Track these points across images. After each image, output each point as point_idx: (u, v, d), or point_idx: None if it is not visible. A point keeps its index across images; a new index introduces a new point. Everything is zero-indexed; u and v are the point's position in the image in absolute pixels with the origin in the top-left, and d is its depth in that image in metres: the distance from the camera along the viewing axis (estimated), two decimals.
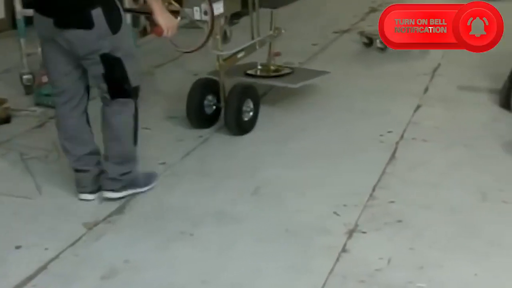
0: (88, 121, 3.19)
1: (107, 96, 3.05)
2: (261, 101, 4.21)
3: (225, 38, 4.04)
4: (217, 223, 3.04)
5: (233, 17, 4.52)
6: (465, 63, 5.16)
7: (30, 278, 2.65)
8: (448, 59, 5.33)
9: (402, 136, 3.95)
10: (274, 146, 3.85)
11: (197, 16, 3.64)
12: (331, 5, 7.56)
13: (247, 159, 3.70)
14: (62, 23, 2.88)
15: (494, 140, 3.87)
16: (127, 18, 3.78)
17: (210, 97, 4.05)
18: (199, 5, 3.61)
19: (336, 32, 6.42)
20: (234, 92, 3.95)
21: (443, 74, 5.11)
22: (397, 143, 3.86)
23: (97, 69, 2.98)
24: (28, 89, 4.70)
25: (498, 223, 3.01)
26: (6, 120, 4.22)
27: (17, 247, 2.87)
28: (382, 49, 5.64)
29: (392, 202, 3.19)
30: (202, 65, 4.61)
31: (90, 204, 3.20)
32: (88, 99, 3.17)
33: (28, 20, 4.71)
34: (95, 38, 2.89)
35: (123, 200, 3.21)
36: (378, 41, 5.66)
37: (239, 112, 3.93)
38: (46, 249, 2.84)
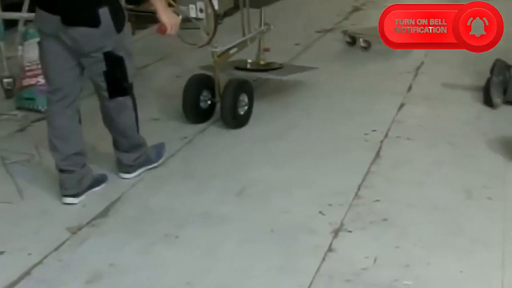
0: (79, 121, 3.22)
1: (106, 94, 3.14)
2: None
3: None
4: (202, 224, 3.02)
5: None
6: (448, 61, 5.19)
7: (13, 284, 2.62)
8: (431, 58, 5.35)
9: (386, 135, 3.96)
10: (258, 145, 3.85)
11: (192, 13, 3.65)
12: (314, 4, 7.56)
13: (232, 159, 3.69)
14: (70, 20, 2.95)
15: (478, 138, 3.89)
16: None
17: (205, 93, 4.12)
18: (194, 3, 3.62)
19: (319, 32, 6.42)
20: (230, 87, 4.02)
21: (426, 72, 5.13)
22: (381, 141, 3.87)
23: (98, 67, 3.06)
24: (9, 93, 4.65)
25: (483, 220, 3.02)
26: None
27: (0, 253, 2.83)
28: (366, 48, 5.66)
29: (377, 201, 3.20)
30: (183, 67, 4.60)
31: (74, 207, 3.18)
32: (80, 99, 3.21)
33: (8, 23, 4.69)
34: (100, 36, 2.98)
35: (107, 203, 3.19)
36: (361, 40, 5.68)
37: (235, 105, 4.00)
38: (29, 254, 2.80)
